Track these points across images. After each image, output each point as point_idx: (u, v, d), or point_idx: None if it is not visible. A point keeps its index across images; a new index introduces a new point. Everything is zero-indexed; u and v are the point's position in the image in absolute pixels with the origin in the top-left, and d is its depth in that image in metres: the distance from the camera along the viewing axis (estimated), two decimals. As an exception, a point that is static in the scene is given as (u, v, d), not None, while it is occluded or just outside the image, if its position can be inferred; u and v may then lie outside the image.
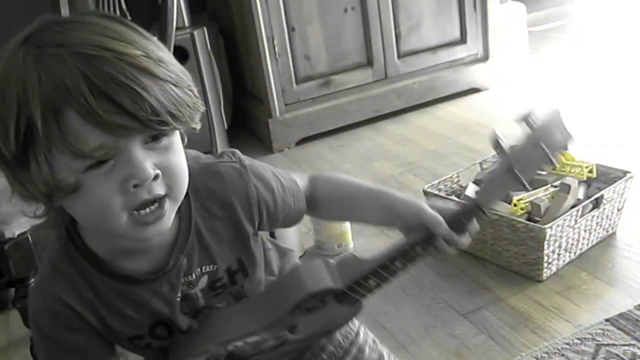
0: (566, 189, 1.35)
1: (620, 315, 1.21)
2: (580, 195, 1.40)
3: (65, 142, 0.49)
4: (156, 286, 0.62)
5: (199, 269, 0.65)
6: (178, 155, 0.56)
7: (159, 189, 0.54)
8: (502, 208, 1.39)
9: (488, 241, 1.31)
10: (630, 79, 2.44)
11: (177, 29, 1.30)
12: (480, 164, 1.59)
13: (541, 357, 1.14)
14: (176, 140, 0.56)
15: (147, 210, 0.54)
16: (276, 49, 2.17)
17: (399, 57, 2.37)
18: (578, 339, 1.17)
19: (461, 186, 1.53)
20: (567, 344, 1.16)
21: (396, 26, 2.32)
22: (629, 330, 1.17)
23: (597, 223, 1.39)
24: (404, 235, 0.70)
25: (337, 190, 0.76)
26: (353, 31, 2.27)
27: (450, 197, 1.48)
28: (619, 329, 1.18)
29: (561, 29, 3.12)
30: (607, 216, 1.41)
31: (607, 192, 1.37)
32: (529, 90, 2.52)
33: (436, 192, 1.49)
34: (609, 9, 2.89)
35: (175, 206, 0.58)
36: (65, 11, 1.38)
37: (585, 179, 1.43)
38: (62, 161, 0.51)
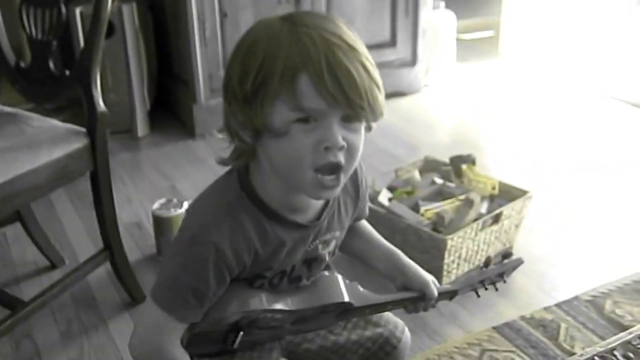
0: (469, 203, 1.44)
1: (506, 324, 1.32)
2: (483, 210, 1.49)
3: (292, 96, 0.64)
4: (305, 235, 0.76)
5: (332, 233, 0.80)
6: (360, 140, 0.69)
7: (341, 158, 0.67)
8: (411, 217, 1.46)
9: (397, 247, 1.38)
10: (547, 101, 2.59)
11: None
12: (396, 170, 1.65)
13: (432, 358, 1.22)
14: (361, 129, 0.69)
15: (331, 177, 0.67)
16: (206, 33, 2.13)
17: (329, 53, 2.39)
18: (467, 343, 1.27)
19: (375, 190, 1.57)
20: (456, 347, 1.26)
21: (329, 22, 2.34)
22: (511, 338, 1.28)
23: (495, 237, 1.49)
24: (397, 289, 0.89)
25: (368, 231, 0.92)
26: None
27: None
28: (503, 336, 1.28)
29: (488, 40, 3.26)
30: (506, 231, 1.52)
31: (506, 209, 1.47)
32: (452, 97, 2.62)
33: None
34: (534, 22, 3.03)
35: (344, 180, 0.70)
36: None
37: (488, 195, 1.53)
38: (282, 109, 0.65)
